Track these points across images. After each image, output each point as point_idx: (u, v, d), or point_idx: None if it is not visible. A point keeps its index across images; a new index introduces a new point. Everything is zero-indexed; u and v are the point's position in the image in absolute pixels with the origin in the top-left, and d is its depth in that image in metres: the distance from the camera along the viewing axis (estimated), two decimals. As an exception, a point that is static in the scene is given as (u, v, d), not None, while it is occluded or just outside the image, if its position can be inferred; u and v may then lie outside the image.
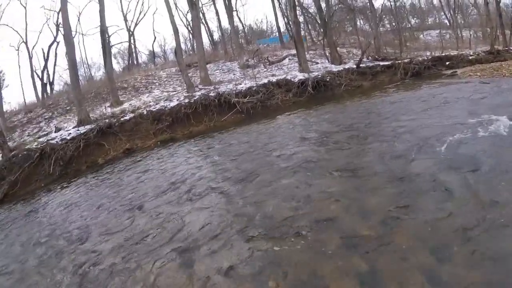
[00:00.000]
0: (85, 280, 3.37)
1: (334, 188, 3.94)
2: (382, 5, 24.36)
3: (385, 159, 4.46)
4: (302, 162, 5.16)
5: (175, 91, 15.42)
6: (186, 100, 12.41)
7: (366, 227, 2.99)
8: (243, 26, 29.84)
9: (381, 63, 15.97)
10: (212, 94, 12.53)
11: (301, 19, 21.89)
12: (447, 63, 15.42)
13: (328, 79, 13.87)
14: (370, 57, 17.77)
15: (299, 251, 2.89)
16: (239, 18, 28.27)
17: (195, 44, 20.48)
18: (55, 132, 12.91)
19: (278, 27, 27.41)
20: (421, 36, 29.14)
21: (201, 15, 23.34)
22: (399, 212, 3.11)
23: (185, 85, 14.78)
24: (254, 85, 13.16)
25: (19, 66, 26.67)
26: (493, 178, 3.33)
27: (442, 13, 31.81)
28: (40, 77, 22.81)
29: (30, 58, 22.19)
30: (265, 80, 13.74)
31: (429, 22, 38.17)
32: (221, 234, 3.49)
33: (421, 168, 3.93)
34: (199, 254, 3.22)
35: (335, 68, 15.38)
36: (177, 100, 12.80)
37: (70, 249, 4.28)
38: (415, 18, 36.66)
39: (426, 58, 15.97)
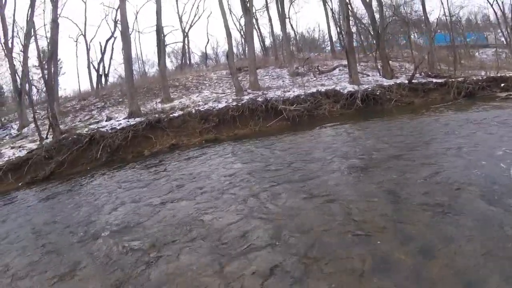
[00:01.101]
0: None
1: (373, 209, 3.81)
2: (437, 19, 23.34)
3: (430, 184, 4.23)
4: (346, 176, 5.06)
5: (224, 93, 15.74)
6: (234, 103, 12.62)
7: (402, 252, 2.88)
8: (295, 33, 29.87)
9: (434, 80, 15.24)
10: (260, 99, 12.63)
11: (354, 29, 21.52)
12: (502, 84, 14.39)
13: (378, 93, 13.46)
14: (423, 73, 17.01)
15: (330, 266, 2.84)
16: (292, 26, 28.33)
17: (246, 49, 20.83)
18: (106, 121, 13.63)
19: (330, 37, 27.13)
20: (477, 54, 27.52)
21: (254, 20, 23.77)
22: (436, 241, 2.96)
23: (234, 88, 15.04)
24: (302, 93, 13.08)
25: (76, 56, 28.74)
26: None
27: (499, 31, 29.70)
28: (96, 68, 24.21)
29: (88, 50, 23.69)
30: (314, 89, 13.61)
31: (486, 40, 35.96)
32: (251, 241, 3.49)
33: (463, 197, 3.74)
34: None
35: (386, 82, 14.89)
36: (225, 102, 13.05)
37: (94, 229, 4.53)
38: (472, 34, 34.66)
39: (480, 78, 15.02)
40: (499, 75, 15.78)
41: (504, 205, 3.38)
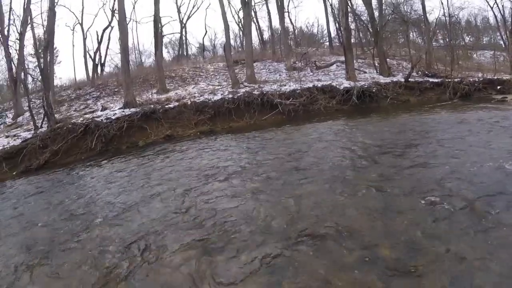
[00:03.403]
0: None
1: (361, 203, 3.83)
2: (436, 19, 23.35)
3: (422, 182, 4.23)
4: (337, 171, 5.05)
5: (220, 85, 15.69)
6: (230, 96, 12.60)
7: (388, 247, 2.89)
8: (293, 28, 29.79)
9: (431, 80, 15.26)
10: (256, 92, 12.62)
11: (352, 26, 21.49)
12: (498, 87, 14.43)
13: (374, 90, 13.47)
14: (420, 72, 17.05)
15: (317, 258, 2.87)
16: (290, 20, 28.27)
17: (244, 42, 20.67)
18: (101, 110, 13.56)
19: (329, 32, 27.27)
20: (475, 55, 27.58)
21: (252, 13, 23.60)
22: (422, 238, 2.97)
23: (230, 80, 15.01)
24: (299, 88, 13.08)
25: (73, 45, 28.38)
26: None
27: (498, 34, 29.80)
28: (92, 58, 24.00)
29: (84, 39, 23.51)
30: (310, 84, 13.62)
31: (484, 42, 36.09)
32: (238, 234, 3.50)
33: (453, 193, 3.75)
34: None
35: (382, 79, 14.91)
36: (221, 94, 13.03)
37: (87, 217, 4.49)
38: (469, 36, 34.76)
39: (477, 80, 15.06)
40: (496, 77, 15.82)
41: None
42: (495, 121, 7.51)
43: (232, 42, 22.56)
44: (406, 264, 2.64)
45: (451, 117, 9.02)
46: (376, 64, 17.41)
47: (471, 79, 14.96)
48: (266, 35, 30.45)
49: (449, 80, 14.57)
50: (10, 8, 17.26)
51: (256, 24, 27.42)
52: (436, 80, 15.01)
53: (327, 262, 2.80)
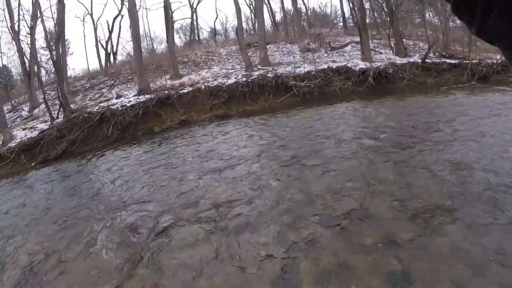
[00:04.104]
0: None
1: (379, 184, 3.77)
2: (453, -2, 22.46)
3: (440, 164, 4.12)
4: (354, 154, 4.99)
5: (234, 69, 15.58)
6: (244, 79, 12.50)
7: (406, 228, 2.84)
8: (306, 8, 29.28)
9: (448, 61, 14.80)
10: (270, 75, 12.48)
11: (367, 5, 20.87)
12: None
13: (390, 71, 13.15)
14: (437, 53, 16.55)
15: (336, 240, 2.84)
16: (303, 1, 27.73)
17: (256, 24, 20.37)
18: (116, 98, 13.68)
19: (343, 12, 26.64)
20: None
21: (264, -5, 23.12)
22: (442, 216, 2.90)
23: (244, 64, 14.88)
24: (313, 69, 12.87)
25: (84, 35, 28.74)
26: None
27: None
28: (104, 47, 24.13)
29: (95, 29, 23.69)
30: (325, 66, 13.38)
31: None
32: (258, 216, 3.48)
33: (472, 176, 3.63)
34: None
35: (399, 60, 14.54)
36: (235, 78, 12.94)
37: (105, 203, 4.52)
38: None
39: (495, 62, 14.54)
40: (515, 60, 15.20)
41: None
42: None
43: (244, 25, 22.26)
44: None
45: (470, 100, 8.75)
46: (392, 45, 16.97)
47: (489, 61, 14.45)
48: (278, 17, 30.11)
49: (467, 61, 14.12)
50: (19, 4, 17.42)
51: (268, 5, 26.99)
52: (453, 62, 14.58)
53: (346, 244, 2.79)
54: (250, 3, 27.19)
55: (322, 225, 3.08)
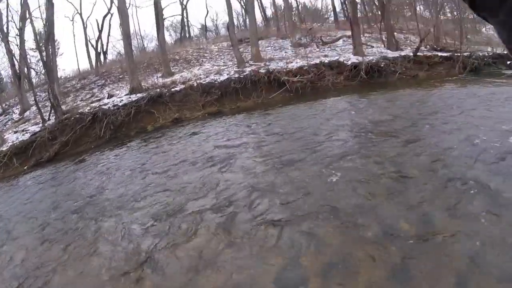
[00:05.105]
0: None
1: (377, 179, 3.77)
2: (444, -9, 22.62)
3: (434, 157, 4.15)
4: (350, 150, 4.99)
5: (226, 65, 15.47)
6: (236, 75, 12.43)
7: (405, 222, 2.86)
8: (297, 3, 29.07)
9: (440, 54, 14.87)
10: (262, 70, 12.42)
11: (358, -1, 20.84)
12: (508, 62, 14.03)
13: (382, 65, 13.17)
14: (428, 46, 16.63)
15: (337, 234, 2.84)
16: (293, -5, 27.49)
17: (247, 20, 20.28)
18: (107, 98, 13.51)
19: (334, 7, 26.53)
20: (483, 29, 26.83)
21: (254, -9, 22.97)
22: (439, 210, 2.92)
23: (235, 60, 14.77)
24: (305, 64, 12.83)
25: (73, 35, 28.33)
26: None
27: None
28: (94, 46, 23.83)
29: (85, 28, 23.20)
30: (317, 61, 13.32)
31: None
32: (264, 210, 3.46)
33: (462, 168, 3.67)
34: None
35: (391, 54, 14.57)
36: (227, 74, 12.85)
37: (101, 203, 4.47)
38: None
39: (487, 54, 14.66)
40: (505, 52, 15.36)
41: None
42: (506, 97, 7.26)
43: (235, 21, 22.05)
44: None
45: (461, 92, 8.81)
46: (384, 38, 16.99)
47: (481, 54, 14.58)
48: (269, 12, 29.91)
49: (458, 54, 14.21)
50: (7, 5, 17.05)
51: (259, 1, 26.79)
52: (445, 54, 14.65)
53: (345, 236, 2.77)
54: (240, -2, 27.01)
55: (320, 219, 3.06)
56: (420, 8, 24.77)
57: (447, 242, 2.48)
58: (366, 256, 2.47)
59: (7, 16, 16.78)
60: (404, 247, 2.51)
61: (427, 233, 2.64)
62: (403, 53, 14.72)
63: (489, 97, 7.46)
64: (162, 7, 20.66)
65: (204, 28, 31.38)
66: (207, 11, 43.38)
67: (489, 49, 16.22)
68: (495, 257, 2.24)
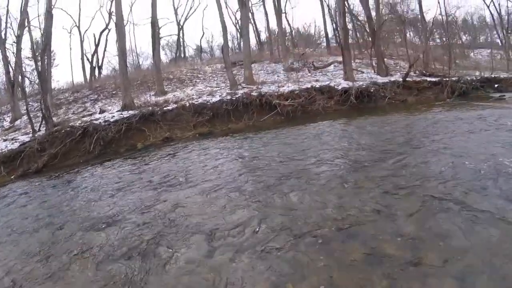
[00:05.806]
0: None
1: (366, 202, 3.84)
2: (433, 18, 23.45)
3: (423, 179, 4.27)
4: (340, 170, 5.10)
5: (219, 87, 15.67)
6: (228, 97, 12.58)
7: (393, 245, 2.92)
8: (291, 29, 29.84)
9: (429, 79, 15.28)
10: (254, 93, 12.61)
11: (349, 26, 21.51)
12: (496, 85, 14.50)
13: (372, 90, 13.47)
14: (417, 71, 17.07)
15: (321, 257, 2.88)
16: (288, 21, 28.42)
17: (242, 43, 20.69)
18: (99, 113, 13.52)
19: (326, 33, 27.23)
20: (472, 54, 27.72)
21: (250, 14, 23.61)
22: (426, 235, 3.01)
23: (228, 82, 14.98)
24: (297, 88, 13.06)
25: (70, 48, 28.44)
26: None
27: (495, 32, 30.02)
28: (90, 60, 23.98)
29: (82, 41, 23.39)
30: (308, 85, 13.59)
31: (481, 40, 36.34)
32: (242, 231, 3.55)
33: (450, 190, 3.82)
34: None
35: (380, 79, 14.93)
36: (220, 96, 13.01)
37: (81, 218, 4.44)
38: (466, 35, 34.97)
39: (475, 78, 15.11)
40: (493, 75, 15.87)
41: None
42: (494, 119, 7.52)
43: (229, 43, 22.60)
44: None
45: (448, 116, 9.03)
46: (374, 64, 17.43)
47: (469, 78, 15.00)
48: (264, 36, 30.63)
49: (447, 79, 14.61)
50: (7, 11, 17.20)
51: (254, 25, 27.51)
52: (433, 79, 15.03)
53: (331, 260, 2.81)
54: (236, 22, 27.79)
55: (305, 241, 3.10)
56: (410, 34, 25.65)
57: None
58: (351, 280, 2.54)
59: (6, 22, 16.89)
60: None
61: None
62: (392, 79, 15.08)
63: (473, 120, 7.71)
64: (159, 26, 21.05)
65: (199, 49, 31.94)
66: (203, 32, 44.21)
67: (477, 73, 16.68)
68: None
